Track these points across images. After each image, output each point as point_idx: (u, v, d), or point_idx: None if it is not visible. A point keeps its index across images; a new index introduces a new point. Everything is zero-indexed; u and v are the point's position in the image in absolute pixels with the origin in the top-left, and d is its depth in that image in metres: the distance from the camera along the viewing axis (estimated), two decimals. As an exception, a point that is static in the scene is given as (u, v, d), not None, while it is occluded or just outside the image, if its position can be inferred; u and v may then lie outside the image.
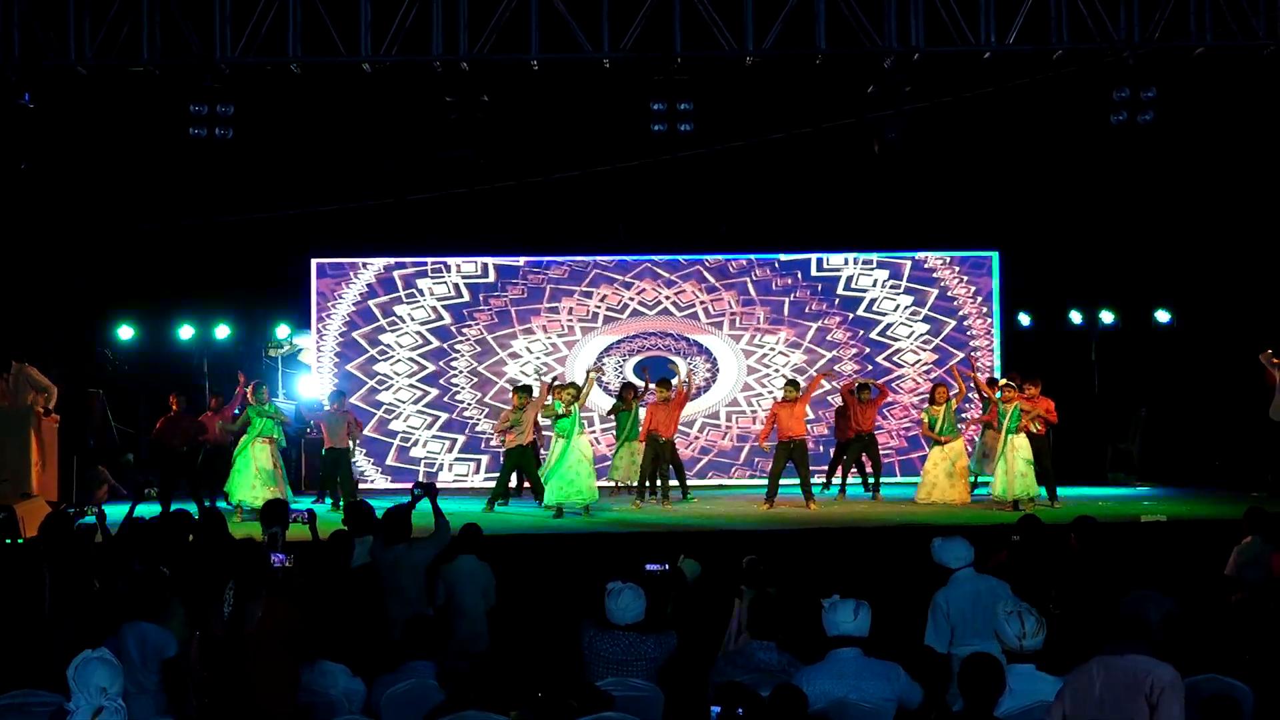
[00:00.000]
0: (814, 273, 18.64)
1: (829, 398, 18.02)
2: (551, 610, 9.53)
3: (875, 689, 6.03)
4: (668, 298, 18.61)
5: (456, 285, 18.49)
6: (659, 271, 18.64)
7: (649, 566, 7.77)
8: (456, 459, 18.42)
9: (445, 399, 18.43)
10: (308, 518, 9.21)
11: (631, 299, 18.60)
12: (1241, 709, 6.00)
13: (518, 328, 18.49)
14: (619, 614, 6.97)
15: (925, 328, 18.63)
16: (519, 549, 12.12)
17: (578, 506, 14.78)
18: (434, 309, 18.44)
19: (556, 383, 16.13)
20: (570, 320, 18.52)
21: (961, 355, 18.28)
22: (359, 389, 17.97)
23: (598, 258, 18.60)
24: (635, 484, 16.04)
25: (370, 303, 18.41)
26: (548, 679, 6.22)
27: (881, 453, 17.00)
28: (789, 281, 18.61)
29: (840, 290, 18.62)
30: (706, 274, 18.65)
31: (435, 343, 18.45)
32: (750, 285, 18.62)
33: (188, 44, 14.46)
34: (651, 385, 15.95)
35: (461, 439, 18.41)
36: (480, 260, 18.49)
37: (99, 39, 14.32)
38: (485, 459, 18.27)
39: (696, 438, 18.48)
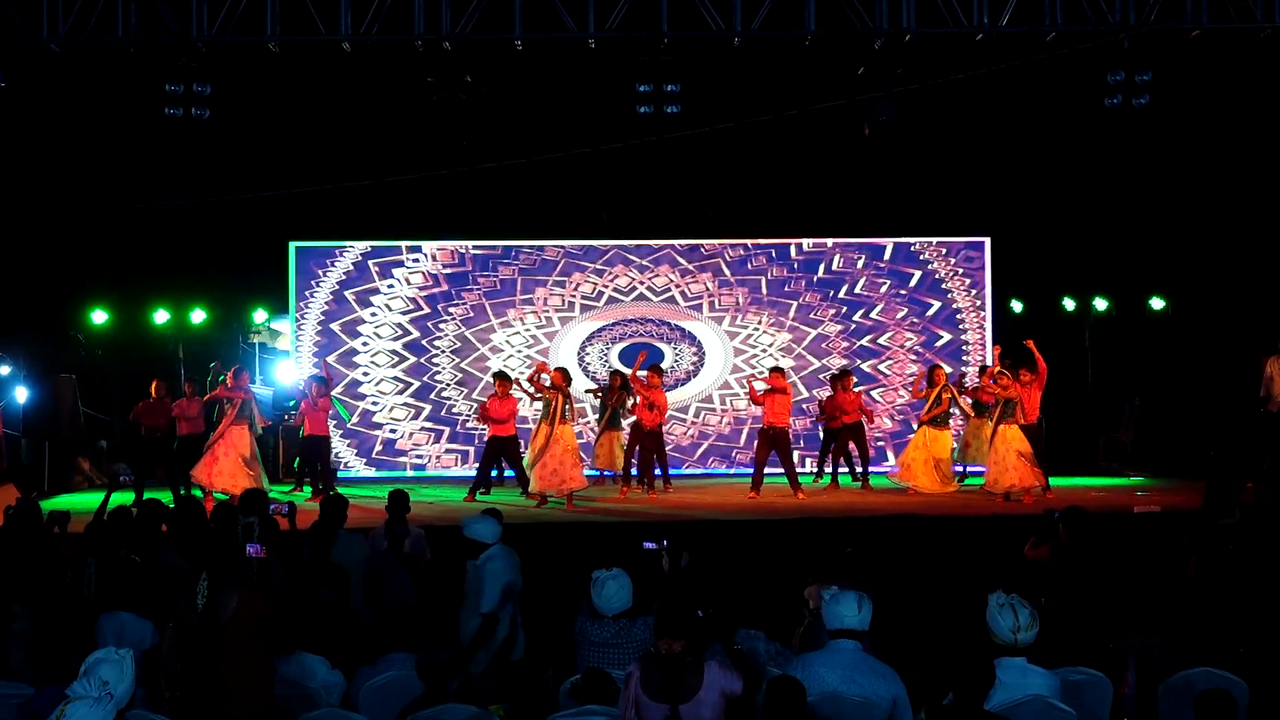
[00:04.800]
0: (801, 258, 18.63)
1: (814, 391, 18.08)
2: (539, 600, 9.51)
3: (870, 684, 6.03)
4: (645, 283, 18.57)
5: (435, 273, 18.41)
6: (636, 258, 18.61)
7: (646, 544, 7.77)
8: (446, 451, 18.38)
9: (431, 396, 18.37)
10: (288, 510, 9.15)
11: (609, 285, 18.55)
12: (1237, 704, 6.02)
13: (514, 304, 18.46)
14: (605, 605, 7.01)
15: (915, 315, 18.63)
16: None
17: (561, 496, 14.74)
18: (413, 298, 18.38)
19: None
20: (550, 309, 18.48)
21: (949, 342, 18.40)
22: (339, 379, 17.88)
23: (579, 243, 18.56)
24: (618, 472, 16.05)
25: (348, 292, 18.32)
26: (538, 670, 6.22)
27: (872, 438, 17.05)
28: (775, 266, 18.59)
29: (828, 276, 18.61)
30: (684, 258, 18.62)
31: (415, 334, 18.38)
32: (734, 270, 18.59)
33: (163, 22, 14.37)
34: (641, 372, 15.88)
35: (447, 430, 18.37)
36: (461, 245, 18.42)
37: (72, 16, 14.23)
38: (471, 450, 18.24)
39: (694, 423, 18.48)
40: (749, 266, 18.60)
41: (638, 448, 15.78)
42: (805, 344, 18.55)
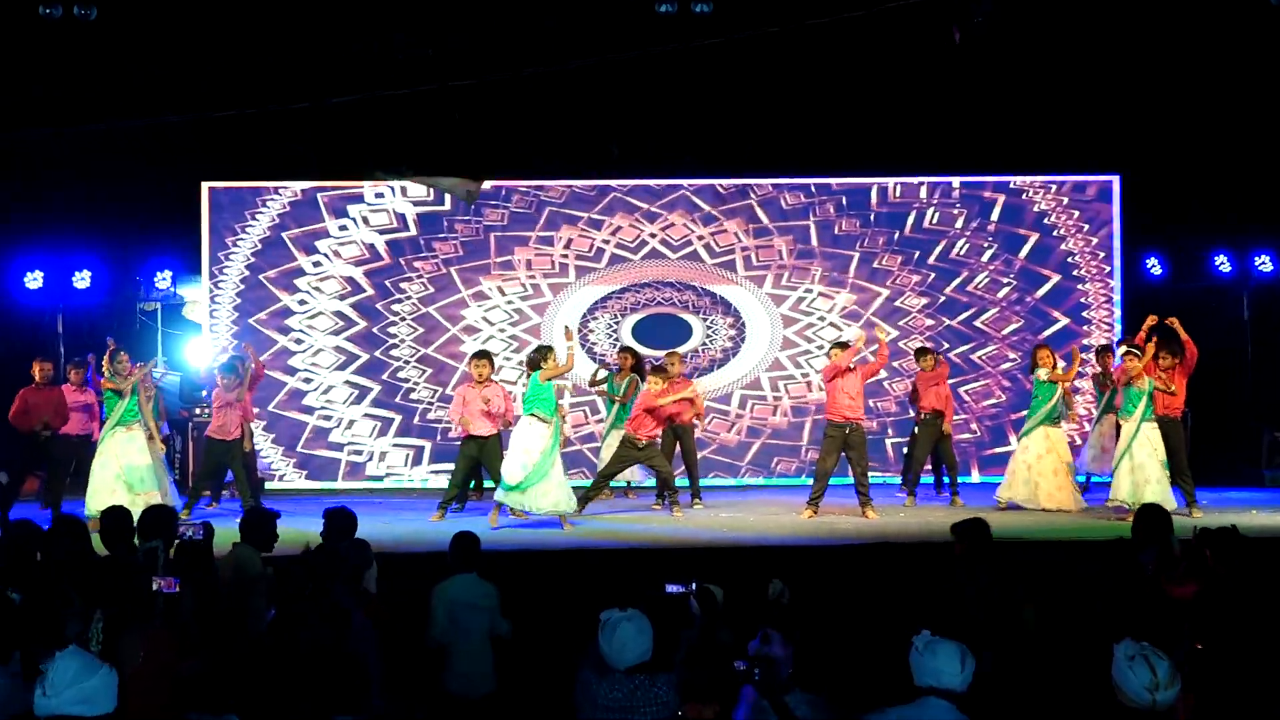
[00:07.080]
0: (874, 204, 18.66)
1: (897, 363, 18.13)
2: (532, 650, 9.59)
3: (968, 752, 6.09)
4: (696, 234, 18.64)
5: (385, 225, 18.48)
6: (688, 199, 18.70)
7: (670, 588, 7.80)
8: (393, 444, 18.49)
9: (384, 375, 18.50)
10: (202, 532, 9.22)
11: (632, 236, 18.63)
12: None
13: (495, 258, 18.54)
14: (617, 656, 7.01)
15: (1021, 278, 18.67)
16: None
17: (557, 516, 14.74)
18: (362, 256, 18.43)
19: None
20: (550, 263, 18.56)
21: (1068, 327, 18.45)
22: (265, 353, 18.00)
23: (584, 182, 18.62)
24: (627, 483, 16.15)
25: (278, 246, 18.40)
26: None
27: (958, 441, 17.07)
28: (840, 215, 18.64)
29: (909, 228, 18.65)
30: (755, 203, 18.70)
31: (369, 290, 18.45)
32: (791, 220, 18.64)
33: (36, -106, 14.44)
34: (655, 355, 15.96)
35: (398, 419, 18.47)
36: (419, 188, 18.48)
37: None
38: (428, 446, 18.37)
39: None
40: (821, 222, 18.62)
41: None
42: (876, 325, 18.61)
